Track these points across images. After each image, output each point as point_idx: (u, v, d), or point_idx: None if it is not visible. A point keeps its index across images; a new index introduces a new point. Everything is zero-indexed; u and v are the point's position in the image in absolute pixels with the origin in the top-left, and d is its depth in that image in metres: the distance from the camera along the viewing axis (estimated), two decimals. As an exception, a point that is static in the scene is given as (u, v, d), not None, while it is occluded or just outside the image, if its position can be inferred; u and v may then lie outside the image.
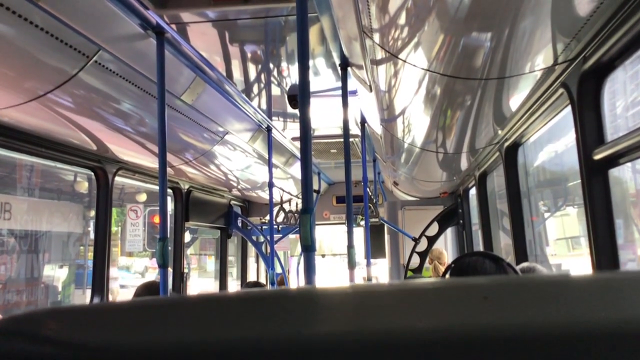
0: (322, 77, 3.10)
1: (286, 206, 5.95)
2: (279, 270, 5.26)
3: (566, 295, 0.25)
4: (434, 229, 5.60)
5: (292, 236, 6.42)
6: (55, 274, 5.45)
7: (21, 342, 0.26)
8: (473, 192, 4.81)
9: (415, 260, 5.56)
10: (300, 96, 1.77)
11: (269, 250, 4.91)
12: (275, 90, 3.40)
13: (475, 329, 0.24)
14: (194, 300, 0.29)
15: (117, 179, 3.71)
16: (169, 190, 4.68)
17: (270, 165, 4.26)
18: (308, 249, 1.74)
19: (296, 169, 5.40)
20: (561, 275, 0.29)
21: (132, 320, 0.27)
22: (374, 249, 5.51)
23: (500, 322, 0.24)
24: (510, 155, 3.19)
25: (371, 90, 2.58)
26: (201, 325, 0.25)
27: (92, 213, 5.14)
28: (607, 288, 0.26)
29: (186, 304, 0.28)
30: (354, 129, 4.13)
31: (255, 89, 3.42)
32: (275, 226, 5.56)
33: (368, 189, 4.51)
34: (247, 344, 0.24)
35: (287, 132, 4.49)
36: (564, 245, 3.71)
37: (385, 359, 0.23)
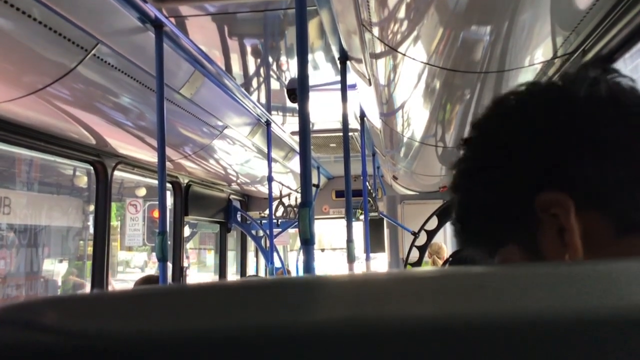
0: (321, 71, 3.10)
1: (285, 200, 5.94)
2: (278, 264, 5.27)
3: (563, 283, 0.25)
4: (433, 223, 5.60)
5: (291, 230, 6.42)
6: (55, 268, 5.45)
7: (19, 332, 0.26)
8: (472, 186, 4.80)
9: (415, 254, 5.57)
10: (299, 90, 1.76)
11: (268, 244, 4.92)
12: (275, 84, 3.39)
13: (471, 317, 0.24)
14: (193, 288, 0.29)
15: (116, 173, 3.71)
16: (168, 185, 4.68)
17: (269, 159, 4.26)
18: (307, 242, 1.74)
19: (295, 163, 5.40)
20: (560, 264, 0.29)
21: (131, 309, 0.27)
22: (374, 243, 5.51)
23: (497, 310, 0.24)
24: (510, 149, 3.19)
25: (370, 84, 2.58)
26: (199, 313, 0.25)
27: (92, 207, 5.14)
28: (605, 276, 0.26)
29: (185, 293, 0.28)
30: (353, 123, 4.12)
31: (254, 83, 3.42)
32: (275, 220, 5.56)
33: (367, 183, 4.51)
34: (245, 332, 0.24)
35: (286, 127, 4.49)
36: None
37: (382, 346, 0.23)
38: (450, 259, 1.73)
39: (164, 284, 2.50)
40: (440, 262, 5.09)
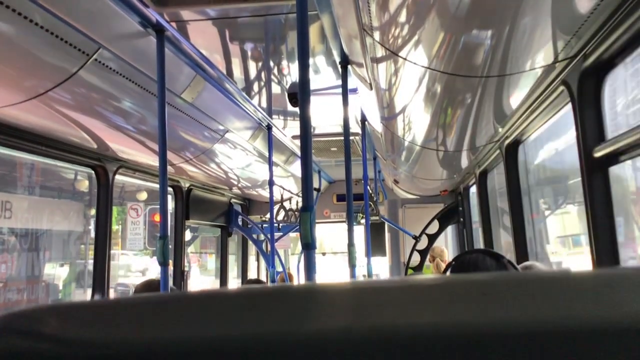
0: (323, 75, 3.10)
1: (287, 204, 5.95)
2: (279, 268, 5.26)
3: (566, 292, 0.25)
4: (434, 227, 5.60)
5: (292, 234, 6.42)
6: (56, 272, 5.45)
7: (21, 339, 0.26)
8: (473, 190, 4.82)
9: (416, 258, 5.56)
10: (300, 94, 1.77)
11: (269, 248, 4.92)
12: (276, 89, 3.40)
13: (473, 326, 0.24)
14: (195, 296, 0.29)
15: (118, 177, 3.71)
16: (170, 189, 4.68)
17: (270, 163, 4.26)
18: (308, 247, 1.74)
19: (296, 167, 5.40)
20: (561, 272, 0.29)
21: (131, 317, 0.27)
22: (375, 247, 5.52)
23: (499, 319, 0.24)
24: (511, 153, 3.19)
25: (371, 88, 2.58)
26: (201, 321, 0.25)
27: (93, 211, 5.15)
28: (607, 284, 0.26)
29: (186, 300, 0.28)
30: (354, 127, 4.13)
31: (255, 87, 3.42)
32: (276, 224, 5.55)
33: (368, 187, 4.51)
34: (246, 340, 0.24)
35: (287, 130, 4.49)
36: (565, 244, 3.71)
37: (384, 355, 0.23)
38: (453, 262, 1.73)
39: (165, 290, 2.49)
40: (444, 265, 5.08)
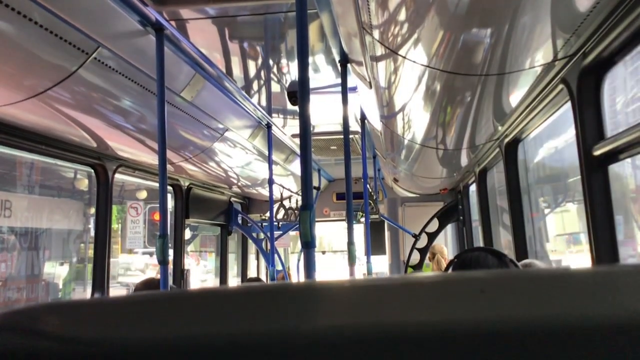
0: (322, 73, 3.10)
1: (286, 203, 5.95)
2: (279, 267, 5.27)
3: (564, 289, 0.25)
4: (434, 225, 5.61)
5: (292, 233, 6.42)
6: (56, 271, 5.45)
7: (20, 337, 0.26)
8: (473, 188, 4.82)
9: (416, 257, 5.57)
10: (300, 93, 1.77)
11: (269, 247, 4.92)
12: (275, 87, 3.40)
13: (472, 323, 0.24)
14: (194, 294, 0.29)
15: (117, 176, 3.71)
16: (169, 188, 4.68)
17: (270, 162, 4.26)
18: (308, 245, 1.74)
19: (296, 166, 5.40)
20: (559, 269, 0.29)
21: (131, 315, 0.27)
22: (374, 245, 5.52)
23: (498, 316, 0.24)
24: (510, 151, 3.19)
25: (371, 87, 2.58)
26: (200, 319, 0.25)
27: (93, 210, 5.14)
28: (606, 281, 0.26)
29: (186, 298, 0.28)
30: (354, 126, 4.12)
31: (255, 86, 3.42)
32: (276, 223, 5.56)
33: (368, 186, 4.51)
34: (246, 338, 0.24)
35: (287, 129, 4.49)
36: (564, 242, 3.71)
37: (383, 353, 0.23)
38: (455, 260, 1.73)
39: (165, 288, 2.49)
40: (444, 261, 5.09)
